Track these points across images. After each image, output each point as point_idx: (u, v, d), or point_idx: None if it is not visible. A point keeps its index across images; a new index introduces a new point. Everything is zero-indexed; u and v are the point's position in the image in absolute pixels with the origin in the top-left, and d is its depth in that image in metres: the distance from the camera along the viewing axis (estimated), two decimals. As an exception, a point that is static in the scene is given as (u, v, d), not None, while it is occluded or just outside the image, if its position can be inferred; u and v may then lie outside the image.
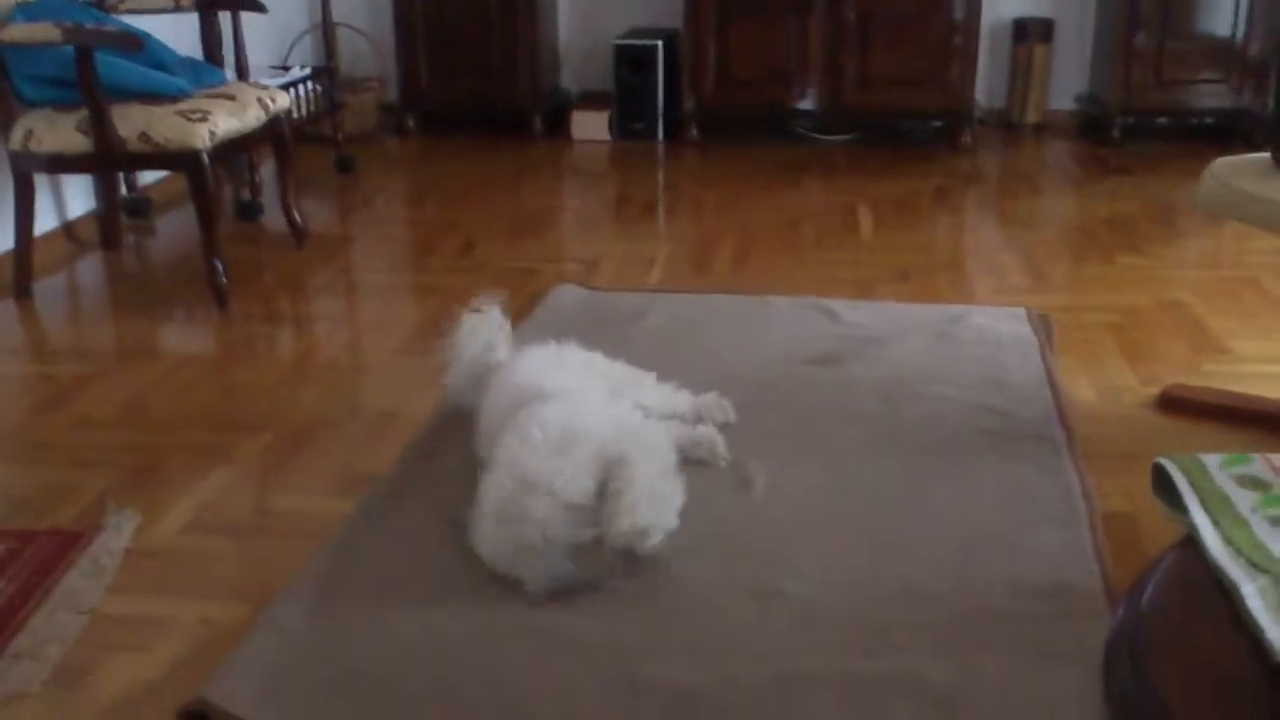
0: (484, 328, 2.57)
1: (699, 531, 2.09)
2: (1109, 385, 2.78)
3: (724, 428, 2.45)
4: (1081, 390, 2.75)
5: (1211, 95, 5.06)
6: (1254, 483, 1.11)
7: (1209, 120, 5.13)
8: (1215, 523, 1.04)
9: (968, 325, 3.08)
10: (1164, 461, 1.16)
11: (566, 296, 3.37)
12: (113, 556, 2.09)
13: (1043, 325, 3.08)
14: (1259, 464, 1.14)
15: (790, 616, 1.88)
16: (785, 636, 1.83)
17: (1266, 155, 2.44)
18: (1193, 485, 1.10)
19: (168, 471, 2.43)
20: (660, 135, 5.40)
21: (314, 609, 1.90)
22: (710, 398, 2.52)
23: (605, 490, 2.00)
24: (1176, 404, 2.65)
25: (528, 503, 1.92)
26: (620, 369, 2.47)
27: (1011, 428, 2.51)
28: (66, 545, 2.11)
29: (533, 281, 3.53)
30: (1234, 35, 4.95)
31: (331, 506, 2.25)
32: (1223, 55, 4.99)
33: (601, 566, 1.94)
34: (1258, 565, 0.99)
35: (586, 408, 2.17)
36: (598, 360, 2.47)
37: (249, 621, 1.88)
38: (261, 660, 1.77)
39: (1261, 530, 1.04)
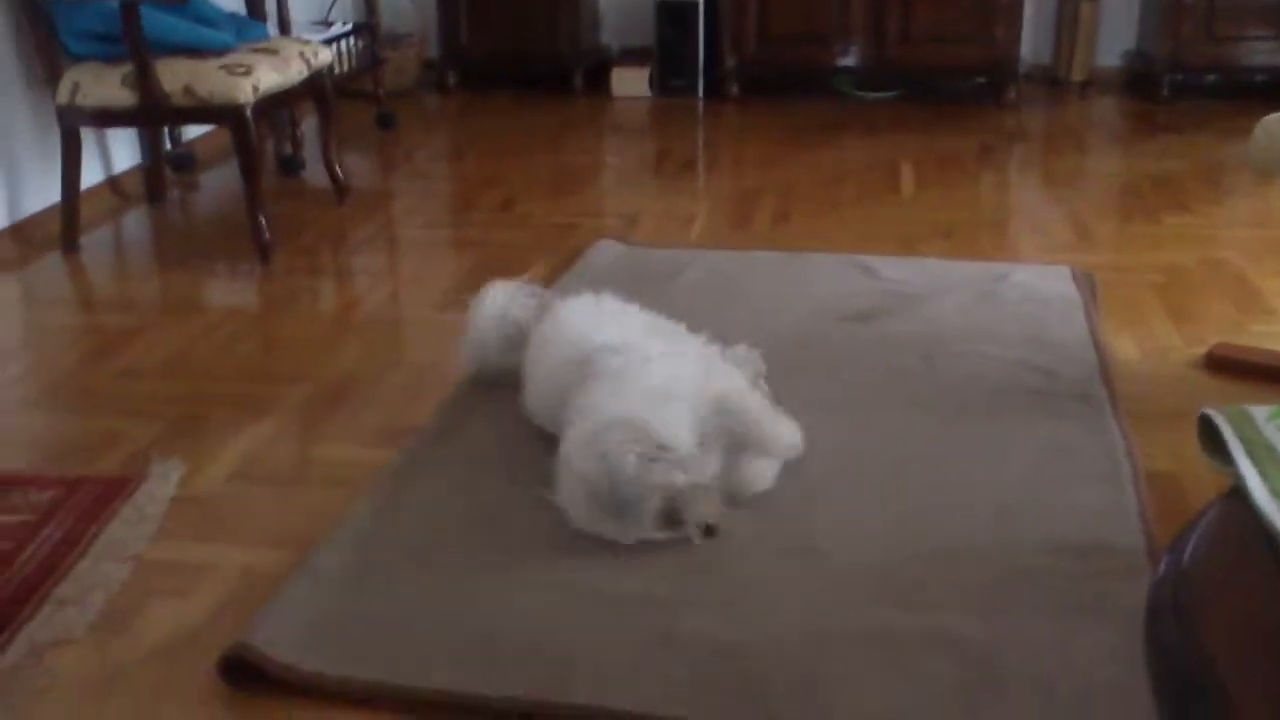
0: (501, 296, 2.56)
1: (736, 486, 2.10)
2: (1154, 345, 2.76)
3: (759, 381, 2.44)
4: (1126, 349, 2.72)
5: (1263, 52, 4.97)
6: (1301, 435, 1.10)
7: (1260, 78, 5.04)
8: (1263, 474, 1.02)
9: (1011, 283, 3.05)
10: (1210, 412, 1.15)
11: (606, 252, 3.37)
12: (157, 504, 2.12)
13: (1087, 284, 3.05)
14: (1306, 416, 1.12)
15: (824, 573, 1.88)
16: (819, 592, 1.84)
17: (1319, 111, 2.39)
18: (1239, 436, 1.08)
19: (212, 422, 2.45)
20: (700, 92, 5.37)
21: (353, 558, 1.92)
22: (740, 349, 2.51)
23: (707, 437, 2.01)
24: (1222, 364, 2.62)
25: (630, 447, 1.91)
26: (655, 320, 2.47)
27: (1054, 386, 2.49)
28: (112, 493, 2.14)
29: (573, 237, 3.53)
30: (1288, -10, 4.85)
31: (371, 457, 2.27)
32: (1274, 11, 4.89)
33: (699, 514, 1.94)
34: (1305, 515, 0.98)
35: (656, 357, 2.17)
36: (634, 311, 2.47)
37: (289, 569, 1.90)
38: (301, 607, 1.79)
39: (1309, 482, 1.02)
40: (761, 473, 2.10)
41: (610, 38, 5.76)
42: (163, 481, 2.19)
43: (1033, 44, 5.38)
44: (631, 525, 1.91)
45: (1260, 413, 1.11)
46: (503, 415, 2.38)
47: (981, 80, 5.21)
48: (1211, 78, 5.12)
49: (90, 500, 2.12)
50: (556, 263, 3.30)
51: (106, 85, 3.29)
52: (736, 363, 2.47)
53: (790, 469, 2.15)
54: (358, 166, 4.45)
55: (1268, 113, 2.58)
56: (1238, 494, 1.04)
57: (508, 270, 3.26)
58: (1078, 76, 5.39)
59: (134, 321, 3.02)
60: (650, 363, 2.12)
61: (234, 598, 1.86)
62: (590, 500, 1.93)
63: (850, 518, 2.03)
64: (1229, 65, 5.04)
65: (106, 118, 3.40)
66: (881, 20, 5.09)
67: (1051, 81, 5.43)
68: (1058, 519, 2.02)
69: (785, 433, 2.15)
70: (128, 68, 3.25)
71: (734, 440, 2.06)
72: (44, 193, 3.62)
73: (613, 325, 2.30)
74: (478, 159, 4.59)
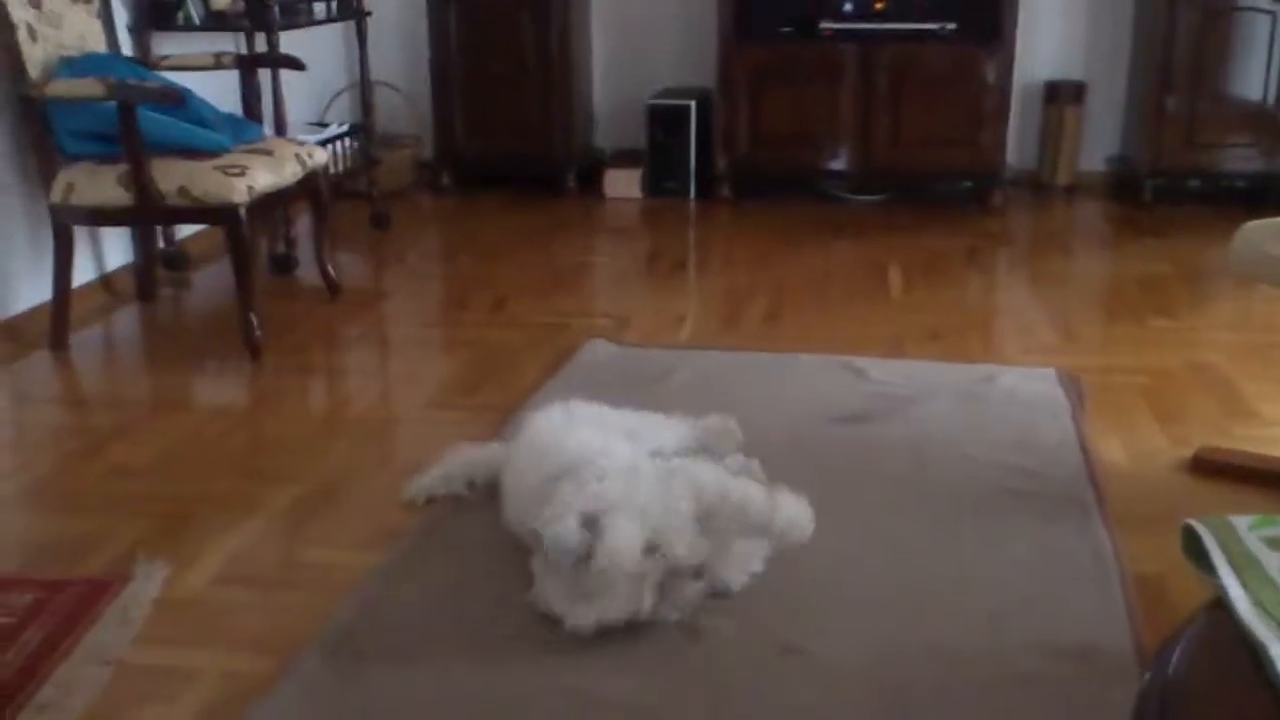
0: (468, 449, 2.58)
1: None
2: (1140, 447, 2.77)
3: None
4: (1112, 452, 2.73)
5: (1243, 158, 5.05)
6: (1283, 544, 1.10)
7: (1240, 184, 5.12)
8: (1244, 584, 1.03)
9: (998, 385, 3.07)
10: (1193, 523, 1.15)
11: (597, 352, 3.39)
12: (141, 607, 2.10)
13: (1073, 386, 3.07)
14: (1288, 526, 1.13)
15: (815, 676, 1.87)
16: (809, 697, 1.82)
17: (1297, 218, 2.43)
18: (1222, 547, 1.09)
19: (198, 522, 2.44)
20: (692, 194, 5.44)
21: (339, 663, 1.90)
22: (713, 420, 2.50)
23: (706, 523, 2.02)
24: (1207, 467, 2.63)
25: (622, 528, 1.93)
26: (632, 416, 2.47)
27: (1042, 489, 2.50)
28: (95, 595, 2.13)
29: (564, 337, 3.55)
30: (1265, 99, 4.94)
31: (359, 559, 2.26)
32: (1254, 119, 4.99)
33: (682, 601, 1.95)
34: (1286, 627, 0.98)
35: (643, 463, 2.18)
36: (608, 412, 2.47)
37: (274, 675, 1.88)
38: (285, 714, 1.77)
39: (1290, 593, 1.03)
40: (749, 555, 2.09)
41: (603, 140, 5.85)
42: (147, 583, 2.17)
43: (1018, 149, 5.47)
44: (604, 601, 1.91)
45: (1242, 523, 1.12)
46: (489, 517, 2.37)
47: (968, 184, 5.29)
48: (1193, 183, 5.20)
49: (73, 602, 2.10)
50: (547, 363, 3.32)
51: (101, 185, 3.33)
52: (710, 437, 2.49)
53: (780, 568, 2.14)
54: (351, 266, 4.49)
55: (1248, 218, 2.63)
56: (1221, 604, 1.05)
57: (499, 371, 3.29)
58: (1062, 181, 5.47)
59: (122, 420, 3.02)
60: (638, 469, 2.12)
61: (217, 703, 1.84)
62: (553, 574, 1.95)
63: (841, 620, 2.02)
64: (1210, 171, 5.13)
65: (101, 217, 3.44)
66: (870, 125, 5.18)
67: (1037, 186, 5.52)
68: (1048, 622, 2.02)
69: (796, 512, 2.12)
70: (123, 168, 3.29)
71: (741, 527, 2.06)
72: (35, 290, 3.63)
73: (586, 431, 2.30)
74: (471, 259, 4.63)
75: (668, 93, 5.47)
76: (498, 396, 3.10)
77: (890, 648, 1.94)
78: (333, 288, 3.99)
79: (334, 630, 1.99)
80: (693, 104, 5.33)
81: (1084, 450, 2.68)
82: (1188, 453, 2.69)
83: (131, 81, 3.35)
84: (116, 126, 3.23)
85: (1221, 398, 3.06)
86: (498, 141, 5.51)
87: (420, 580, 2.17)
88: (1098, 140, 5.47)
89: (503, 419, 2.90)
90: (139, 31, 4.20)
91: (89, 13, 3.72)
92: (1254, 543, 1.08)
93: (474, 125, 5.50)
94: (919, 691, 1.83)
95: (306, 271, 4.26)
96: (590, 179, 5.57)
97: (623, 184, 5.49)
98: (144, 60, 3.98)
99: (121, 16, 4.07)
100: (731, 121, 5.27)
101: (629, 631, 1.95)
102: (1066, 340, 3.54)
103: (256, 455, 2.83)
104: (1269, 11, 4.86)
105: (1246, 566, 1.05)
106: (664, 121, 5.38)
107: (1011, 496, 2.47)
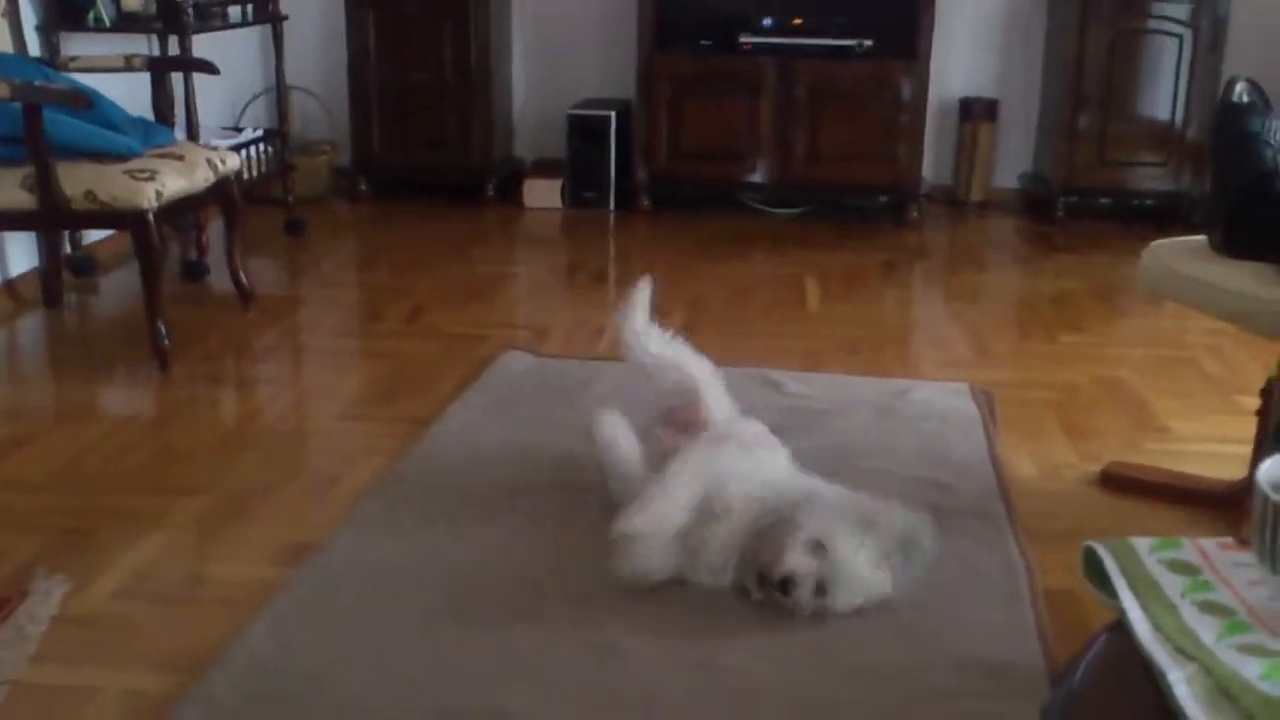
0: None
1: (636, 601, 2.08)
2: (1050, 461, 2.81)
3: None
4: (1023, 466, 2.77)
5: (1152, 177, 5.17)
6: (1183, 567, 1.12)
7: (1149, 202, 5.23)
8: (1144, 608, 1.04)
9: (912, 400, 3.10)
10: (1094, 545, 1.17)
11: (514, 363, 3.36)
12: (39, 624, 2.04)
13: (985, 401, 3.11)
14: (1188, 549, 1.15)
15: (729, 692, 1.87)
16: (724, 714, 1.81)
17: (1203, 239, 2.48)
18: (1122, 570, 1.10)
19: (101, 536, 2.38)
20: (612, 204, 5.43)
21: (247, 684, 1.86)
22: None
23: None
24: (1117, 481, 2.68)
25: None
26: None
27: (953, 503, 2.52)
28: (-9, 612, 2.06)
29: (481, 348, 3.52)
30: (1173, 120, 5.06)
31: (268, 575, 2.21)
32: (1162, 139, 5.10)
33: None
34: (1185, 652, 0.99)
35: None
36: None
37: (178, 694, 1.83)
38: (188, 734, 1.73)
39: (1190, 616, 1.04)
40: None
41: (523, 149, 5.82)
42: (45, 599, 2.11)
43: (934, 165, 5.54)
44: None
45: (1143, 545, 1.13)
46: (404, 531, 2.34)
47: (885, 199, 5.35)
48: (1104, 201, 5.30)
49: (-33, 620, 2.04)
50: (464, 374, 3.29)
51: (5, 188, 3.23)
52: None
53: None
54: (265, 273, 4.41)
55: (1157, 236, 2.69)
56: (1124, 625, 1.06)
57: (415, 382, 3.25)
58: (977, 197, 5.55)
59: (22, 431, 2.93)
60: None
61: (116, 724, 1.79)
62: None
63: (757, 636, 2.02)
64: (1120, 189, 5.23)
65: (4, 221, 3.33)
66: (789, 139, 5.22)
67: (952, 201, 5.59)
68: (960, 636, 2.03)
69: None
70: (28, 170, 3.20)
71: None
72: (-64, 296, 3.53)
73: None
74: (387, 268, 4.58)
75: (588, 103, 5.46)
76: (413, 408, 3.06)
77: (804, 662, 1.94)
78: (245, 296, 3.92)
79: (241, 649, 1.95)
80: (613, 115, 5.32)
81: (995, 465, 2.71)
82: (1097, 467, 2.74)
83: (37, 83, 3.26)
84: (22, 128, 3.14)
85: (1131, 413, 3.12)
86: (416, 149, 5.46)
87: (333, 597, 2.13)
88: (1011, 157, 5.55)
89: (417, 430, 2.87)
90: (47, 32, 4.10)
91: (-6, 11, 3.62)
92: (1154, 566, 1.10)
93: (392, 132, 5.44)
94: (832, 706, 1.83)
95: (218, 279, 4.18)
96: (510, 189, 5.54)
97: (542, 194, 5.47)
98: (52, 61, 3.88)
99: (29, 16, 3.97)
100: (651, 133, 5.27)
101: (547, 646, 1.95)
102: (980, 355, 3.58)
103: (162, 467, 2.76)
104: (1177, 34, 4.97)
105: (1147, 590, 1.06)
106: (584, 132, 5.37)
107: (925, 510, 2.48)
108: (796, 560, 2.01)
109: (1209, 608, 1.07)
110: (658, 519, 2.10)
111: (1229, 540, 1.20)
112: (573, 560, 2.24)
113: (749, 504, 2.13)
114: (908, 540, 2.12)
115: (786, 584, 2.00)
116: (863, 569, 2.04)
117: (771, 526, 2.08)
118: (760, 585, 2.04)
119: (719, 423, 2.46)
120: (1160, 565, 1.10)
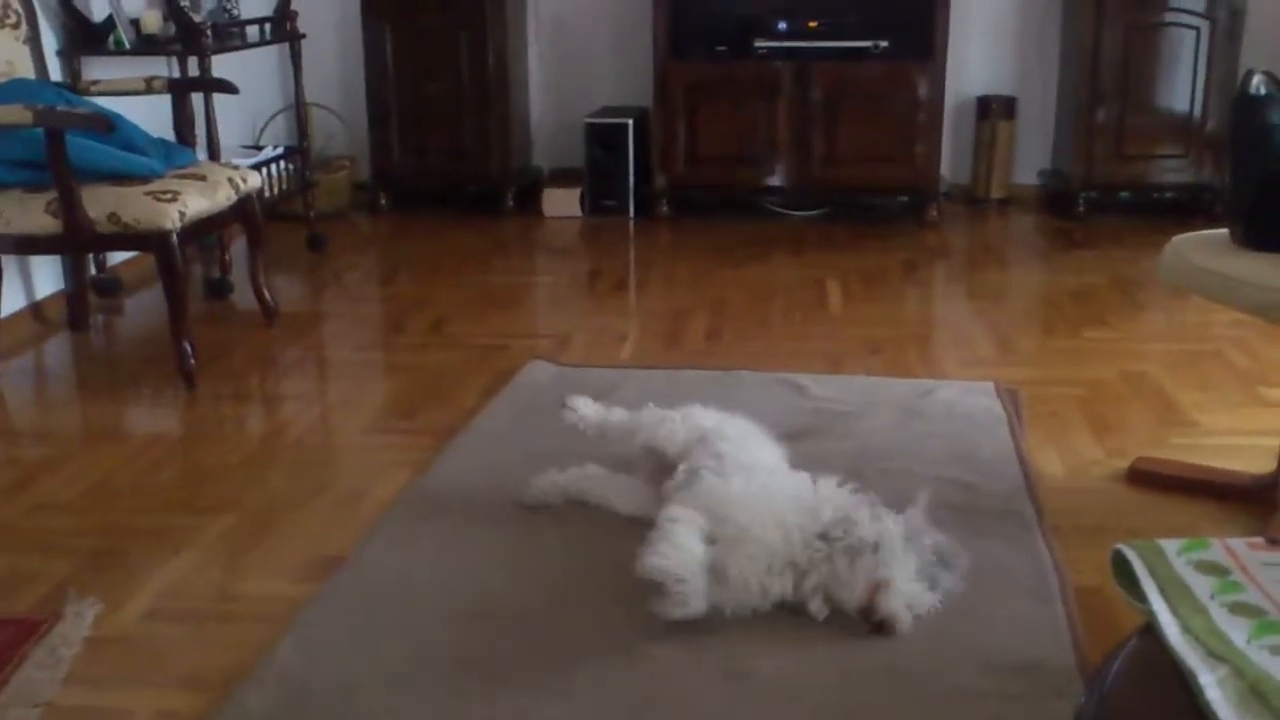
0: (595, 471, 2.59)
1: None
2: (1077, 459, 2.79)
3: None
4: (1050, 464, 2.76)
5: (1172, 170, 5.13)
6: (1212, 568, 1.11)
7: (1170, 195, 5.20)
8: (1174, 611, 1.03)
9: (936, 400, 3.09)
10: (1123, 548, 1.16)
11: (537, 373, 3.37)
12: (71, 646, 2.05)
13: (1011, 399, 3.09)
14: (1217, 549, 1.14)
15: (763, 697, 1.86)
16: (758, 718, 1.81)
17: (1224, 232, 2.47)
18: (1151, 572, 1.09)
19: (130, 556, 2.39)
20: (631, 211, 5.43)
21: (278, 700, 1.87)
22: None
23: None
24: (1144, 477, 2.66)
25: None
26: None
27: (981, 503, 2.51)
28: (24, 635, 2.07)
29: (503, 358, 3.53)
30: (1192, 111, 5.03)
31: (297, 591, 2.23)
32: (1182, 131, 5.07)
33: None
34: (1216, 654, 0.98)
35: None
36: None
37: (209, 712, 1.84)
38: (222, 751, 1.74)
39: (1220, 618, 1.03)
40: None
41: (541, 159, 5.83)
42: (77, 621, 2.12)
43: (952, 163, 5.52)
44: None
45: (1172, 547, 1.13)
46: (431, 544, 2.35)
47: (904, 199, 5.33)
48: (1124, 195, 5.27)
49: (1, 644, 2.05)
50: (487, 385, 3.30)
51: (30, 213, 3.26)
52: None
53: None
54: (287, 289, 4.44)
55: (1178, 229, 2.67)
56: (1154, 628, 1.05)
57: (438, 394, 3.26)
58: (996, 194, 5.53)
59: (52, 452, 2.96)
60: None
61: (149, 743, 1.80)
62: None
63: (787, 639, 2.02)
64: (1140, 183, 5.20)
65: (29, 245, 3.37)
66: (807, 141, 5.21)
67: (971, 200, 5.57)
68: (991, 637, 2.02)
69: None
70: (52, 194, 3.23)
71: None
72: (-37, 320, 3.56)
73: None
74: (409, 280, 4.60)
75: (605, 111, 5.47)
76: (437, 420, 3.07)
77: (836, 666, 1.94)
78: (269, 312, 3.94)
79: (271, 664, 1.96)
80: (630, 122, 5.33)
81: (1022, 463, 2.70)
82: (1125, 463, 2.72)
83: (59, 108, 3.29)
84: (45, 153, 3.17)
85: (1157, 408, 3.10)
86: (435, 162, 5.48)
87: (362, 611, 2.13)
88: (1030, 154, 5.53)
89: (441, 443, 2.88)
90: (68, 56, 4.13)
91: (16, 38, 3.65)
92: (1183, 567, 1.09)
93: (411, 146, 5.47)
94: (864, 710, 1.83)
95: (242, 296, 4.20)
96: (529, 198, 5.55)
97: (561, 203, 5.48)
98: (73, 85, 3.92)
99: (50, 42, 4.00)
100: (669, 139, 5.28)
101: (577, 655, 1.95)
102: (1003, 353, 3.57)
103: (190, 486, 2.77)
104: (1195, 26, 4.94)
105: (1176, 592, 1.06)
106: (602, 140, 5.38)
107: (951, 511, 2.46)
108: (895, 606, 2.02)
109: (1239, 609, 1.06)
110: (679, 564, 2.04)
111: (1258, 540, 1.19)
112: (600, 568, 2.24)
113: (764, 525, 2.12)
114: (944, 554, 2.12)
115: (884, 625, 2.02)
116: (920, 594, 2.06)
117: (842, 553, 2.08)
118: (861, 616, 2.05)
119: (682, 453, 2.42)
120: (1189, 566, 1.09)
